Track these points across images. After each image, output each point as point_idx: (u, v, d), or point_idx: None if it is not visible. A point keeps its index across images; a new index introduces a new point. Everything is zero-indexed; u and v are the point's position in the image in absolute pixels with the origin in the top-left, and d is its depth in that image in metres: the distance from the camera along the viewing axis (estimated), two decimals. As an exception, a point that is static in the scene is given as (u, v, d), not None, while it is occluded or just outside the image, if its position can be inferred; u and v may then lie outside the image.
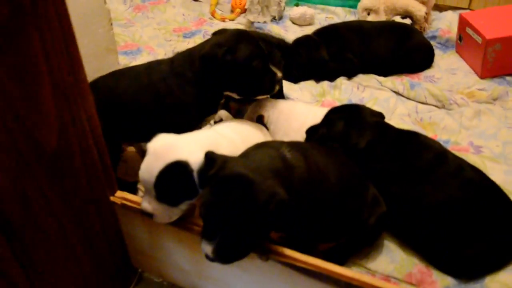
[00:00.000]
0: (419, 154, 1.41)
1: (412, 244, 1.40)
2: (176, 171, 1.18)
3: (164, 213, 1.22)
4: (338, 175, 1.31)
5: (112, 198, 1.31)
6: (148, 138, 1.52)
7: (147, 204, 1.22)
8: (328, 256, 1.35)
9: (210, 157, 1.14)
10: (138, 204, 1.29)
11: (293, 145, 1.27)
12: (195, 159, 1.18)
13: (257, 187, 1.03)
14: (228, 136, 1.42)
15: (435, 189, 1.34)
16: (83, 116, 1.13)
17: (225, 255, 1.05)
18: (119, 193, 1.33)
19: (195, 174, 1.17)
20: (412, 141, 1.46)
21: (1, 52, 0.87)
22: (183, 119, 1.53)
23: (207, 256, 1.06)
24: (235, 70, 1.46)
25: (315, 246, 1.39)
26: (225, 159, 1.12)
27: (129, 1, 3.11)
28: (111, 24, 1.85)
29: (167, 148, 1.22)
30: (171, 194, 1.20)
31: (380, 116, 1.57)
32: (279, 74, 1.57)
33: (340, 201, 1.31)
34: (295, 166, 1.19)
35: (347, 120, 1.48)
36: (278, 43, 2.16)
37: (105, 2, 1.79)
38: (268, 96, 1.68)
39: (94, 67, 1.81)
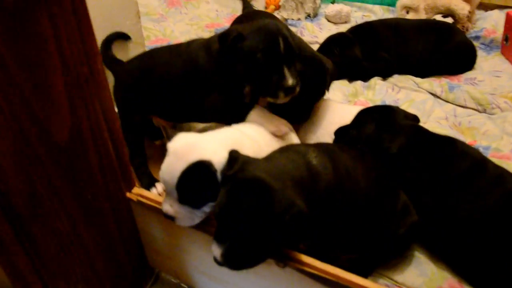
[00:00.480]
0: (455, 162, 1.31)
1: (444, 257, 1.30)
2: (198, 171, 1.12)
3: (187, 216, 1.16)
4: (368, 182, 1.23)
5: (128, 194, 1.27)
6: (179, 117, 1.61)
7: (169, 206, 1.16)
8: (353, 266, 1.27)
9: (232, 156, 1.09)
10: (155, 201, 1.25)
11: (320, 148, 1.19)
12: (219, 159, 1.12)
13: (275, 195, 0.97)
14: (252, 136, 1.36)
15: (472, 200, 1.24)
16: (98, 108, 1.09)
17: (234, 260, 0.99)
18: (136, 190, 1.29)
19: (218, 175, 1.11)
20: (449, 147, 1.36)
21: (9, 39, 0.84)
22: (206, 94, 1.48)
23: (215, 259, 1.00)
24: (240, 58, 1.37)
25: (339, 255, 1.31)
26: (246, 160, 1.06)
27: (164, -4, 3.10)
28: (139, 17, 1.83)
29: (188, 147, 1.15)
30: (194, 196, 1.14)
31: (415, 119, 1.47)
32: (290, 81, 1.34)
33: (369, 210, 1.23)
34: (321, 173, 1.11)
35: (379, 123, 1.39)
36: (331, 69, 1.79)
37: (133, -5, 1.76)
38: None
39: (120, 59, 1.79)
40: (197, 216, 1.17)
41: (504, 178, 1.27)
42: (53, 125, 0.99)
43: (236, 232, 0.97)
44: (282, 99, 1.39)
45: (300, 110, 1.56)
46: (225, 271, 1.08)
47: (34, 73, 0.91)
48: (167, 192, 1.18)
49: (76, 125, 1.04)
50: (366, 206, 1.22)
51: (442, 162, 1.33)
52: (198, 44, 1.52)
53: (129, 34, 1.80)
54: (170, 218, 1.17)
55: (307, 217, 0.98)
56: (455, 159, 1.33)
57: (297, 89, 1.38)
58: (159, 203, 1.24)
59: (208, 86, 1.48)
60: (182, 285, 1.45)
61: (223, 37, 1.40)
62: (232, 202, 0.99)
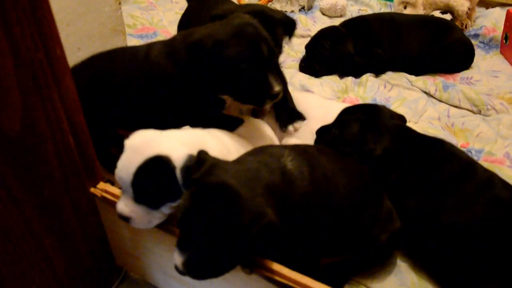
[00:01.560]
0: (442, 164, 1.25)
1: (426, 266, 1.23)
2: (156, 167, 1.05)
3: (143, 217, 1.09)
4: (349, 186, 1.17)
5: (92, 189, 1.20)
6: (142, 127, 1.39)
7: (124, 206, 1.09)
8: (330, 272, 1.21)
9: (200, 157, 1.00)
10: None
11: (297, 151, 1.12)
12: (178, 155, 1.05)
13: (243, 204, 0.90)
14: (220, 137, 1.29)
15: (457, 206, 1.17)
16: (56, 98, 1.02)
17: (196, 270, 0.92)
18: (101, 185, 1.22)
19: (177, 172, 1.04)
20: (436, 149, 1.29)
21: None
22: (179, 107, 1.39)
23: (176, 268, 0.93)
24: (219, 68, 1.27)
25: (316, 261, 1.24)
26: (214, 163, 0.98)
27: (155, -16, 3.03)
28: (119, 3, 1.75)
29: (146, 142, 1.09)
30: (150, 195, 1.07)
31: (401, 119, 1.40)
32: (276, 88, 1.28)
33: (349, 215, 1.16)
34: (296, 179, 1.05)
35: (363, 122, 1.32)
36: (281, 19, 1.66)
37: (113, -21, 1.69)
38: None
39: (98, 47, 1.72)
40: (154, 218, 1.10)
41: (492, 182, 1.20)
42: (3, 116, 0.92)
43: (199, 241, 0.90)
44: (268, 106, 1.35)
45: None
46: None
47: (-24, 57, 0.84)
48: (123, 190, 1.11)
49: (30, 115, 0.97)
50: (346, 212, 1.16)
51: (428, 165, 1.26)
52: (160, 51, 1.39)
53: (108, 21, 1.73)
54: (125, 219, 1.09)
55: (278, 229, 0.91)
56: (443, 161, 1.26)
57: (281, 94, 1.32)
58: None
59: (179, 99, 1.38)
60: (150, 284, 1.39)
61: (196, 47, 1.28)
62: (196, 208, 0.91)
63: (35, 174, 1.03)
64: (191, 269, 0.92)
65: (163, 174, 1.04)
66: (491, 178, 1.22)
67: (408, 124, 1.43)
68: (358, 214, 1.18)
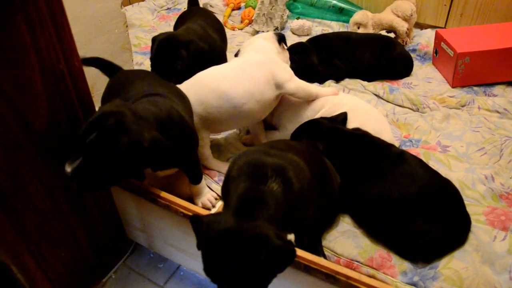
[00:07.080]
0: (364, 151, 1.27)
1: (375, 232, 1.26)
2: None
3: None
4: (319, 175, 1.09)
5: (106, 177, 1.21)
6: None
7: None
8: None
9: (195, 219, 0.83)
10: (130, 184, 1.19)
11: (293, 163, 0.98)
12: None
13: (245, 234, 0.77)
14: None
15: (376, 182, 1.20)
16: (75, 100, 1.02)
17: None
18: (114, 173, 1.22)
19: None
20: (359, 141, 1.30)
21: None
22: None
23: None
24: None
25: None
26: (210, 220, 0.81)
27: (156, 12, 3.02)
28: (127, 26, 1.74)
29: None
30: None
31: (343, 119, 1.42)
32: (67, 169, 0.89)
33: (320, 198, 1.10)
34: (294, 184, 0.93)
35: (314, 131, 1.35)
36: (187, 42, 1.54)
37: (121, 7, 1.68)
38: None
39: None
40: None
41: (403, 158, 1.22)
42: (32, 115, 0.93)
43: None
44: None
45: None
46: (189, 244, 1.02)
47: (14, 72, 0.84)
48: None
49: (54, 114, 0.97)
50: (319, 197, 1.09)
51: (353, 153, 1.28)
52: None
53: (118, 40, 1.72)
54: None
55: (282, 247, 0.77)
56: (364, 149, 1.28)
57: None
58: (134, 186, 1.18)
59: None
60: (154, 253, 1.40)
61: None
62: (219, 261, 0.77)
63: (60, 163, 1.04)
64: None
65: None
66: (402, 155, 1.24)
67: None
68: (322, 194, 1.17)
